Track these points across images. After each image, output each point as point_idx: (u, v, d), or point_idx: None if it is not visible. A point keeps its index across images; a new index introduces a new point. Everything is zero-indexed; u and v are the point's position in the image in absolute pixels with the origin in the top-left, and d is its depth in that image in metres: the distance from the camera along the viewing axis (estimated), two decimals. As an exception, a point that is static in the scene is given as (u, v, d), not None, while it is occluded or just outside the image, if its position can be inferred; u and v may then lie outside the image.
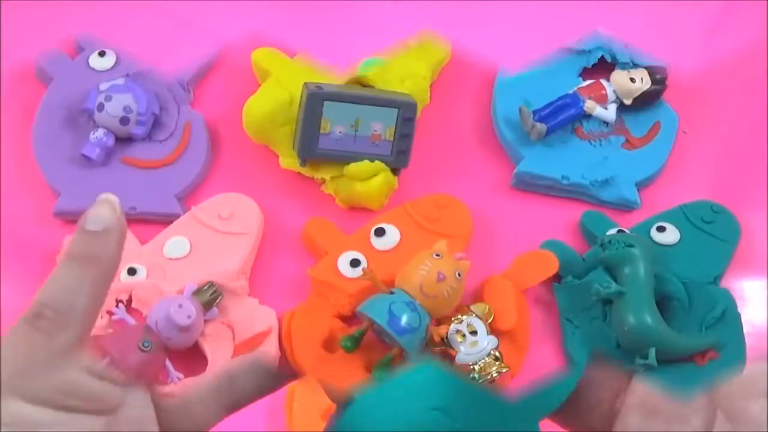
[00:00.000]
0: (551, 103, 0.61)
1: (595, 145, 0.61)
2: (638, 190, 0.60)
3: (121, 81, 0.60)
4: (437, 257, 0.52)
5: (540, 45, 0.62)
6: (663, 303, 0.54)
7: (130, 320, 0.53)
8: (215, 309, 0.54)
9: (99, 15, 0.66)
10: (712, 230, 0.58)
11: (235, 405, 0.35)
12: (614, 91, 0.61)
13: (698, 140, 0.63)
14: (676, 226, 0.58)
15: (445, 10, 0.64)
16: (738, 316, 0.55)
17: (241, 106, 0.59)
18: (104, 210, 0.32)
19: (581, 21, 0.64)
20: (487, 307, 0.53)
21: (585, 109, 0.61)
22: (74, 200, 0.59)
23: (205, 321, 0.53)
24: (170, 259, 0.56)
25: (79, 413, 0.30)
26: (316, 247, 0.57)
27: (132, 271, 0.55)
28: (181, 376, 0.52)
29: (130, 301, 0.55)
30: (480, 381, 0.51)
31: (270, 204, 0.59)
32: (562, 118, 0.60)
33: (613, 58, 0.63)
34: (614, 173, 0.59)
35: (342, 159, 0.57)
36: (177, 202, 0.59)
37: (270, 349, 0.53)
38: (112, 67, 0.63)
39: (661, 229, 0.58)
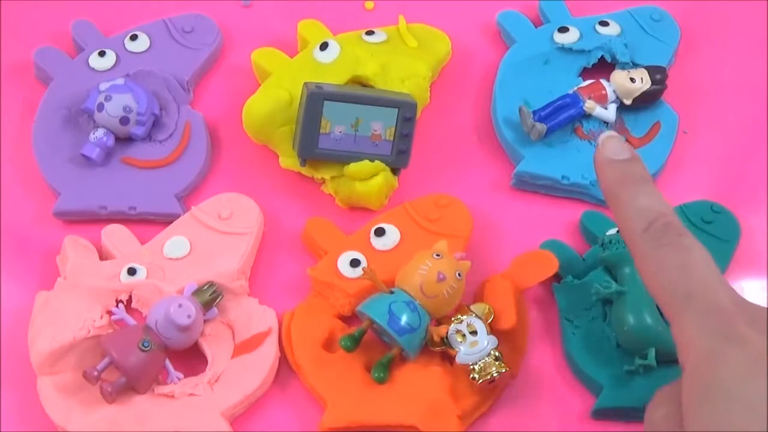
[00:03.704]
0: (551, 103, 0.61)
1: (595, 145, 0.61)
2: (638, 190, 0.60)
3: (121, 81, 0.60)
4: (437, 257, 0.52)
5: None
6: (663, 303, 0.54)
7: (130, 320, 0.53)
8: (215, 309, 0.54)
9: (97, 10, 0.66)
10: (712, 230, 0.58)
11: None
12: (614, 91, 0.61)
13: (698, 140, 0.63)
14: (676, 226, 0.58)
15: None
16: (738, 316, 0.55)
17: (241, 106, 0.59)
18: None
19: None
20: (487, 307, 0.53)
21: (585, 109, 0.61)
22: (74, 200, 0.59)
23: (205, 321, 0.53)
24: (170, 259, 0.56)
25: None
26: (316, 247, 0.57)
27: (132, 271, 0.55)
28: (181, 376, 0.52)
29: (130, 301, 0.55)
30: (480, 381, 0.51)
31: (270, 204, 0.59)
32: (562, 118, 0.60)
33: (613, 58, 0.63)
34: (614, 173, 0.59)
35: (342, 159, 0.57)
36: (177, 202, 0.59)
37: (270, 349, 0.53)
38: (112, 67, 0.63)
39: (661, 229, 0.58)
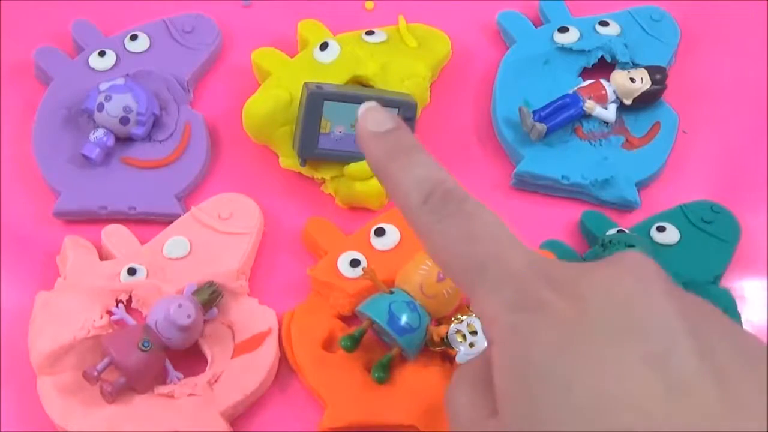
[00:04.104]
0: (551, 103, 0.61)
1: (595, 145, 0.61)
2: (638, 190, 0.60)
3: (121, 81, 0.60)
4: (437, 257, 0.52)
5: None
6: (663, 303, 0.54)
7: (130, 320, 0.53)
8: (215, 309, 0.54)
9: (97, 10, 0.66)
10: (712, 230, 0.58)
11: None
12: (614, 91, 0.61)
13: (698, 140, 0.63)
14: (676, 226, 0.58)
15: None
16: (738, 316, 0.55)
17: (241, 106, 0.59)
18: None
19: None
20: (487, 307, 0.53)
21: (585, 109, 0.61)
22: (74, 200, 0.59)
23: (205, 321, 0.53)
24: (170, 259, 0.56)
25: None
26: (316, 247, 0.57)
27: (132, 271, 0.55)
28: (181, 376, 0.52)
29: (130, 301, 0.55)
30: (480, 381, 0.51)
31: (270, 204, 0.59)
32: (562, 118, 0.60)
33: (613, 58, 0.63)
34: (614, 173, 0.59)
35: (342, 159, 0.57)
36: (177, 202, 0.59)
37: (270, 349, 0.53)
38: (112, 67, 0.63)
39: (661, 229, 0.58)
